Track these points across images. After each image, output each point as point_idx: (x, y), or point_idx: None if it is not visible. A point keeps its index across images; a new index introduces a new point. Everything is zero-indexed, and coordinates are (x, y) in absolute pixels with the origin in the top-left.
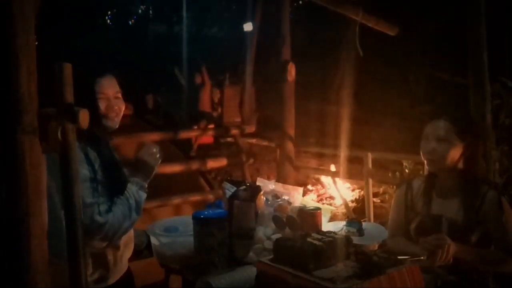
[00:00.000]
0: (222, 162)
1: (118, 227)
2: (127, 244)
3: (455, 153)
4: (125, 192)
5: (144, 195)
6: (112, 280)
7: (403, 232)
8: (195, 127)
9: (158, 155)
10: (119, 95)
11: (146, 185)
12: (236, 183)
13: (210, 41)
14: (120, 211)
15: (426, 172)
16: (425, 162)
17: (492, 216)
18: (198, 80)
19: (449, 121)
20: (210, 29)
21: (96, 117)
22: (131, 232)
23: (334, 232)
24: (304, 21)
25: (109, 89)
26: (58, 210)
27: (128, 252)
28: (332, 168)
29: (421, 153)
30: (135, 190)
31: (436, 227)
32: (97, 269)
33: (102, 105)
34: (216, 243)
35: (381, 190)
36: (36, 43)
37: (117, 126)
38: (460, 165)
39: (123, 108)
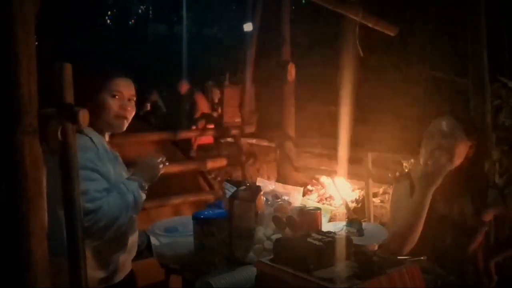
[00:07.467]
0: (222, 162)
1: (111, 221)
2: (134, 245)
3: (461, 150)
4: (122, 186)
5: (144, 196)
6: (117, 279)
7: None
8: (194, 127)
9: (161, 166)
10: (134, 98)
11: (146, 187)
12: (236, 183)
13: (210, 41)
14: (116, 204)
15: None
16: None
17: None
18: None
19: (454, 118)
20: (210, 29)
21: (106, 114)
22: (136, 233)
23: (334, 232)
24: (304, 21)
25: (125, 90)
26: (58, 210)
27: (133, 253)
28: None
29: (422, 155)
30: (136, 188)
31: (441, 228)
32: (105, 269)
33: (115, 104)
34: (216, 243)
35: (381, 190)
36: (36, 43)
37: (123, 129)
38: (464, 166)
39: (134, 113)
